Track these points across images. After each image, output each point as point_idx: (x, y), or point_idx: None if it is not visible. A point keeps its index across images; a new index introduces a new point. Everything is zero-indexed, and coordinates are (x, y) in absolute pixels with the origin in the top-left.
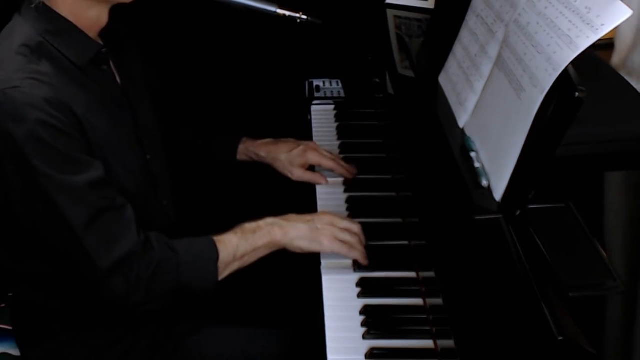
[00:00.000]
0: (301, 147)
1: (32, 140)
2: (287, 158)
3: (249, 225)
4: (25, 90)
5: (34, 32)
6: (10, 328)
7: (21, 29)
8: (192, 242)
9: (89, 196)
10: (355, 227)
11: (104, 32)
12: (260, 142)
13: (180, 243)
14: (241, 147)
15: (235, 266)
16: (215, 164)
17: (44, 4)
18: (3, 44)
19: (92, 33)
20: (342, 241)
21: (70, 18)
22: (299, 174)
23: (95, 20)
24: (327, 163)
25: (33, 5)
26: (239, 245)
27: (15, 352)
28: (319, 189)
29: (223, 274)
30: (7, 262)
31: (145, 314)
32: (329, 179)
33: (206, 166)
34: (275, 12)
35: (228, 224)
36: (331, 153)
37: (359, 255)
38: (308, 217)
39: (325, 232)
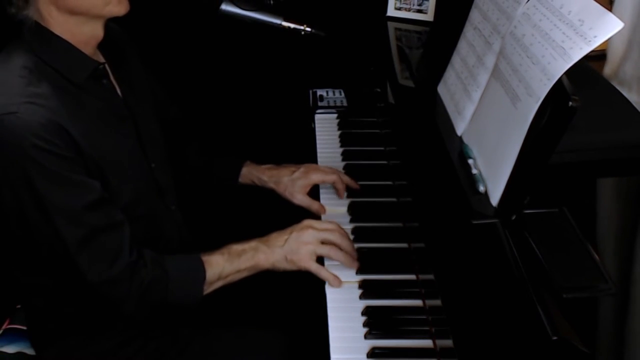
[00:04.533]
0: (302, 169)
1: (30, 165)
2: (290, 180)
3: (235, 248)
4: (23, 116)
5: (31, 53)
6: (25, 328)
7: (18, 51)
8: (183, 261)
9: (85, 217)
10: (335, 237)
11: (102, 45)
12: (263, 166)
13: (171, 261)
14: (244, 171)
15: (218, 284)
16: (216, 184)
17: (37, 24)
18: (2, 67)
19: (89, 48)
20: (321, 252)
21: (65, 36)
22: (300, 198)
23: (90, 35)
24: (329, 178)
25: (26, 27)
26: (224, 267)
27: (30, 351)
28: (322, 194)
29: (206, 291)
30: (19, 275)
31: (137, 319)
32: (332, 208)
33: (208, 186)
34: (280, 24)
35: (234, 228)
36: (333, 169)
37: (328, 275)
38: (286, 234)
39: (301, 252)
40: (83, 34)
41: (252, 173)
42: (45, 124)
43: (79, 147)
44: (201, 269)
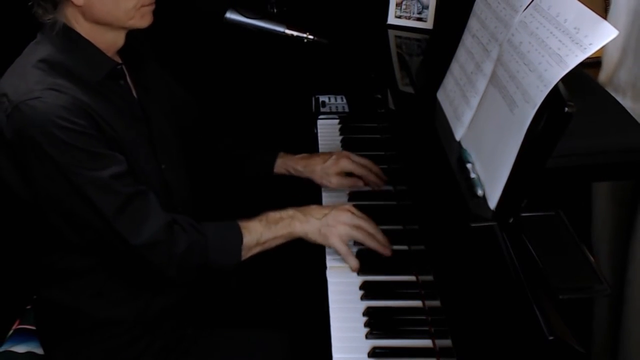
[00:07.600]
0: (334, 157)
1: (56, 145)
2: (323, 169)
3: (272, 215)
4: (46, 99)
5: (54, 49)
6: (34, 328)
7: (43, 46)
8: (219, 226)
9: (116, 186)
10: (370, 227)
11: (121, 50)
12: (296, 156)
13: (207, 226)
14: (279, 161)
15: (256, 250)
16: (251, 178)
17: (63, 25)
18: (26, 59)
19: (109, 53)
20: (355, 235)
21: (88, 38)
22: (336, 181)
23: (111, 42)
24: (359, 171)
25: (54, 33)
26: (262, 233)
27: (39, 351)
28: (324, 198)
29: (246, 256)
30: (38, 255)
31: (179, 283)
32: None
33: (241, 180)
34: (284, 32)
35: None
36: (364, 159)
37: (353, 262)
38: (326, 210)
39: (334, 231)
40: (105, 41)
41: (286, 163)
42: (69, 107)
43: (101, 129)
44: (239, 234)
